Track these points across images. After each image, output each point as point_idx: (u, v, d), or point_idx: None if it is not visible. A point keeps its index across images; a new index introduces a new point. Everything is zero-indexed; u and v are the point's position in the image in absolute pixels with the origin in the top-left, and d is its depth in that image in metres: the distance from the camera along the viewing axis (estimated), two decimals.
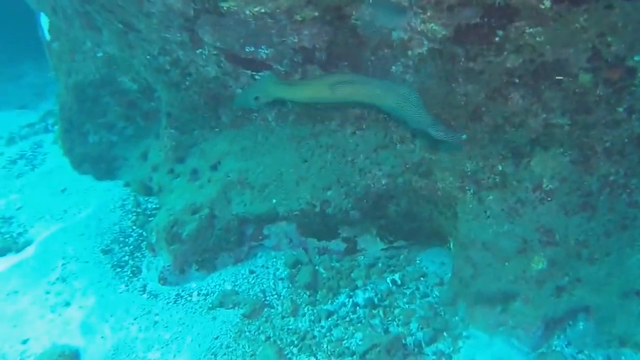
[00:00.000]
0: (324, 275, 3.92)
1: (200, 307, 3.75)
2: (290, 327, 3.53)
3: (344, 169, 3.73)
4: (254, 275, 3.95)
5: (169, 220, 3.98)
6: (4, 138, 6.54)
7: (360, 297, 3.71)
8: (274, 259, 4.08)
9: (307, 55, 3.45)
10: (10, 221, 4.79)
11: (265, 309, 3.66)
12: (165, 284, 3.98)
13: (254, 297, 3.73)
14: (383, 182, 3.62)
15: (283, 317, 3.60)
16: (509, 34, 2.76)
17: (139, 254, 4.36)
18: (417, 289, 3.75)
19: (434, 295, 3.69)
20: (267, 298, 3.75)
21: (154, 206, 4.88)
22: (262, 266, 4.03)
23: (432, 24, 2.86)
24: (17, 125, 6.86)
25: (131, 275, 4.12)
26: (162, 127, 4.71)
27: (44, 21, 5.62)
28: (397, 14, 2.97)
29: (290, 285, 3.86)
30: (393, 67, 3.25)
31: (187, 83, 4.18)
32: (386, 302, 3.67)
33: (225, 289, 3.85)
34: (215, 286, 3.89)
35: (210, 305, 3.73)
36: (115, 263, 4.24)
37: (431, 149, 3.42)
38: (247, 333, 3.50)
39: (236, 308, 3.69)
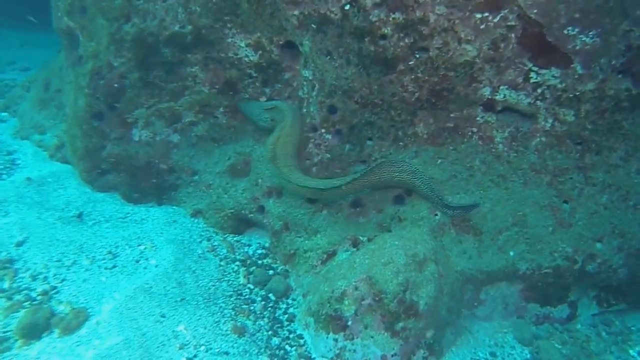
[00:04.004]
0: (563, 351, 2.98)
1: None
2: None
3: (622, 216, 2.91)
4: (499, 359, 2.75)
5: (398, 282, 2.49)
6: None
7: None
8: (499, 335, 2.93)
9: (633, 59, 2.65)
10: (13, 267, 2.45)
11: None
12: None
13: None
14: None
15: None
16: None
17: (285, 332, 2.67)
18: None
19: None
20: None
21: (259, 251, 3.14)
22: (495, 344, 2.84)
23: None
24: None
25: None
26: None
27: None
28: None
29: None
30: None
31: (411, 63, 2.82)
32: None
33: None
34: None
35: None
36: (268, 351, 2.47)
37: None
38: None
39: None
